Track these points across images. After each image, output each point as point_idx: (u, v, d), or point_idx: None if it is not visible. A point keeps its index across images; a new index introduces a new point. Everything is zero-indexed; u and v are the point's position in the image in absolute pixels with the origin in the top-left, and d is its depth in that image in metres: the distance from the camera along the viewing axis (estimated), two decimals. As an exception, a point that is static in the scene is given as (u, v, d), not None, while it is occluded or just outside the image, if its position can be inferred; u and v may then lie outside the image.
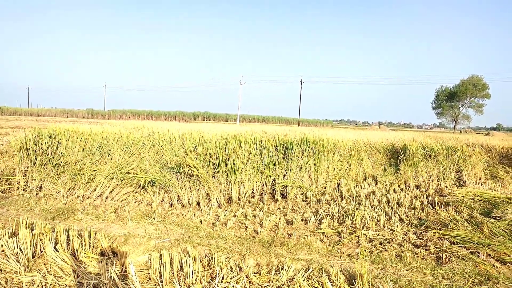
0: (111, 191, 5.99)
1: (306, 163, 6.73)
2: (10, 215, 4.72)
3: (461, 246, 4.13)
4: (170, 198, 5.77)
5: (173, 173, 6.03)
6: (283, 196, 6.34)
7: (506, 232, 4.46)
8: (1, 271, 3.17)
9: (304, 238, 4.38)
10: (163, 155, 6.63)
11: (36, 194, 5.86)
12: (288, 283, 3.18)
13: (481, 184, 7.63)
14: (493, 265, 3.72)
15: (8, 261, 3.26)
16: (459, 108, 53.25)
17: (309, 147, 6.98)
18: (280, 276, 3.26)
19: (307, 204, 6.00)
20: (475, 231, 4.52)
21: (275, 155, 6.68)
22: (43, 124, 29.98)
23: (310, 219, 4.98)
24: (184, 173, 5.96)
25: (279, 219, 5.09)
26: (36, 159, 6.20)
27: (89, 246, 3.63)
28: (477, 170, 8.26)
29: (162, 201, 5.72)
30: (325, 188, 6.74)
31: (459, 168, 8.11)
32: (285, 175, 6.60)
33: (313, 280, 3.23)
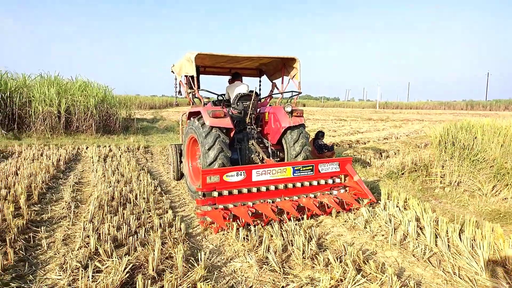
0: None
1: None
2: (445, 208, 4.83)
3: None
4: None
5: None
6: None
7: None
8: (460, 270, 3.15)
9: None
10: None
11: (455, 189, 5.79)
12: None
13: None
14: None
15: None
16: None
17: None
18: None
19: None
20: None
21: None
22: (425, 117, 31.06)
23: None
24: None
25: None
26: (453, 154, 6.15)
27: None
28: None
29: None
30: None
31: None
32: None
33: None
